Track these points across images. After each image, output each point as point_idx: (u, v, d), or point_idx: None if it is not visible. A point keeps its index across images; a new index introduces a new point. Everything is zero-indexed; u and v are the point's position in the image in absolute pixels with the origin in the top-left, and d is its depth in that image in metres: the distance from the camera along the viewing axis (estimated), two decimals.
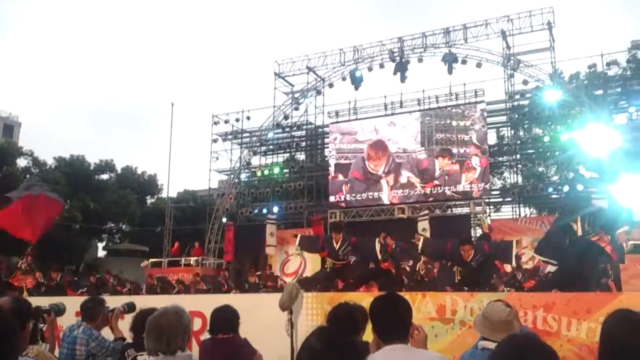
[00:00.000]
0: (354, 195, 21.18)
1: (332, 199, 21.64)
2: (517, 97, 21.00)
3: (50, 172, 38.09)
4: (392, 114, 21.82)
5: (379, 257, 9.45)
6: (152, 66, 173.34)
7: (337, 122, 22.64)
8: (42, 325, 4.13)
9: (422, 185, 20.10)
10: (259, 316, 5.16)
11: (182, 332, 2.99)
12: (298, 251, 20.12)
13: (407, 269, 11.04)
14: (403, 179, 20.47)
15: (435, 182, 19.93)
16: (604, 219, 8.28)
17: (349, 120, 22.39)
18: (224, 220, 23.65)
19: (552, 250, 7.97)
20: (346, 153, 21.67)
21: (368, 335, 3.19)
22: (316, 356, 2.04)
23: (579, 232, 7.94)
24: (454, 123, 20.08)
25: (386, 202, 20.60)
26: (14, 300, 3.43)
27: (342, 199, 21.36)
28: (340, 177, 21.55)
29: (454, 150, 19.85)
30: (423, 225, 15.44)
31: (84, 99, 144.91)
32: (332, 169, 21.85)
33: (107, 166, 42.11)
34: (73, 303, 5.02)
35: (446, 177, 19.80)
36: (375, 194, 20.82)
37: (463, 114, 20.15)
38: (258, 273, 14.67)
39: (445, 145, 20.02)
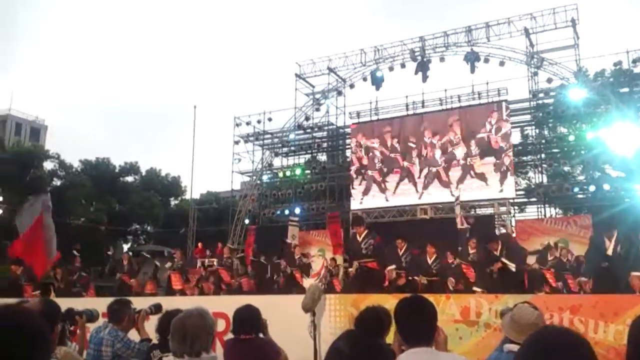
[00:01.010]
0: (375, 195, 21.10)
1: (353, 199, 21.60)
2: (541, 95, 20.70)
3: (77, 175, 38.75)
4: (414, 114, 21.70)
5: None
6: (174, 69, 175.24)
7: (359, 123, 22.60)
8: (71, 326, 4.21)
9: (445, 185, 19.94)
10: (282, 317, 5.17)
11: (206, 333, 3.02)
12: (320, 252, 20.13)
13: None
14: (425, 180, 20.32)
15: (457, 182, 19.74)
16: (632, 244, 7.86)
17: (371, 121, 22.33)
18: (247, 221, 23.77)
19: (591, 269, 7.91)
20: (368, 154, 21.62)
21: (389, 338, 3.19)
22: (344, 359, 2.05)
23: (610, 251, 7.64)
24: (478, 123, 19.89)
25: (409, 203, 20.48)
26: (44, 302, 3.51)
27: (364, 199, 21.30)
28: (362, 177, 21.49)
29: (478, 150, 19.65)
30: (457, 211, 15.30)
31: (109, 101, 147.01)
32: (353, 170, 21.81)
33: (132, 168, 42.71)
34: (101, 305, 5.09)
35: (468, 177, 19.60)
36: (397, 194, 20.71)
37: (486, 114, 19.94)
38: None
39: (468, 145, 19.83)
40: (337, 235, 18.99)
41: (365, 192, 21.26)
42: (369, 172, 21.37)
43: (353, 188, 21.51)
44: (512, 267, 8.09)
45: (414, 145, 20.78)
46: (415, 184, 20.47)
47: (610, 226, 7.93)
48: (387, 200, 20.88)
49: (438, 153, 20.29)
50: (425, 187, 20.27)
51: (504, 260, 8.17)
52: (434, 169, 20.24)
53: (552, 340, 1.60)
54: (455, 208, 15.00)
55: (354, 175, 21.68)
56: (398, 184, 20.74)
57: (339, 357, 2.08)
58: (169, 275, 13.52)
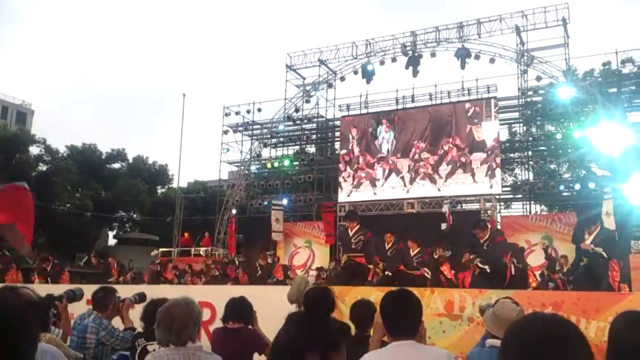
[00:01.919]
0: (363, 188, 21.16)
1: (341, 191, 21.64)
2: (530, 93, 20.84)
3: (63, 160, 38.40)
4: (404, 109, 21.74)
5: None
6: (164, 57, 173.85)
7: (348, 116, 22.61)
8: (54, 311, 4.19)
9: (432, 180, 20.03)
10: (268, 308, 5.18)
11: (193, 323, 3.03)
12: (306, 243, 20.21)
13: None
14: (412, 174, 20.40)
15: (446, 177, 19.84)
16: (612, 243, 8.02)
17: (360, 115, 22.35)
18: (234, 211, 23.75)
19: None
20: (356, 146, 21.65)
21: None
22: (286, 339, 2.04)
23: (588, 241, 7.79)
24: (466, 119, 19.98)
25: (396, 197, 20.57)
26: (27, 289, 3.48)
27: (352, 192, 21.34)
28: (350, 170, 21.53)
29: (465, 146, 19.75)
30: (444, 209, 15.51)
31: (97, 87, 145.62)
32: (342, 162, 21.84)
33: (119, 155, 42.44)
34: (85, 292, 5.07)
35: (456, 172, 19.71)
36: (384, 188, 20.79)
37: (475, 110, 20.03)
38: (269, 253, 14.85)
39: (456, 141, 19.92)
40: (330, 224, 19.07)
41: (357, 186, 21.28)
42: (358, 165, 21.39)
43: (344, 180, 21.53)
44: (487, 268, 8.25)
45: (402, 139, 20.82)
46: (402, 178, 20.53)
47: (593, 220, 8.06)
48: (374, 194, 20.93)
49: (425, 147, 20.34)
50: (412, 181, 20.34)
51: (478, 264, 8.34)
52: (421, 163, 20.31)
53: (538, 330, 1.46)
54: (444, 206, 15.16)
55: (343, 168, 21.70)
56: (387, 177, 20.79)
57: (282, 337, 2.08)
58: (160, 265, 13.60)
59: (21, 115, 59.36)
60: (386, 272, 10.46)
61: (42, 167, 37.41)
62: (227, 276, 13.50)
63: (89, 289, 4.98)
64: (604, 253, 7.49)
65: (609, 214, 13.12)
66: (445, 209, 14.71)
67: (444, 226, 13.46)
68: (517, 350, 1.45)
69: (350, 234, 9.58)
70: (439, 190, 19.76)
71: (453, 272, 10.99)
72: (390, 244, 10.97)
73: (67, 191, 36.43)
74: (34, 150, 37.82)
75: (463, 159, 19.64)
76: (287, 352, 1.86)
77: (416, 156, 20.40)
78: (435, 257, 11.43)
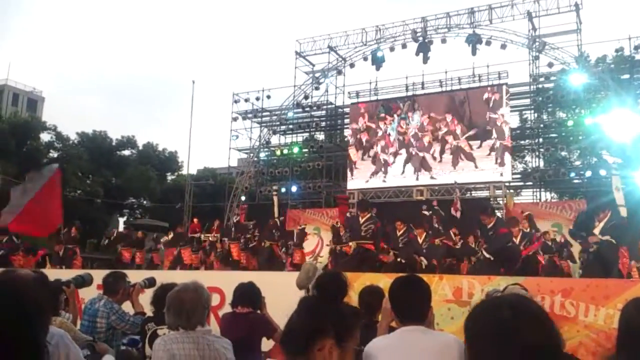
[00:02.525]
0: (372, 176, 21.12)
1: (350, 179, 21.62)
2: (542, 80, 20.61)
3: (73, 147, 38.63)
4: (414, 95, 21.62)
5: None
6: (173, 44, 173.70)
7: (358, 103, 22.52)
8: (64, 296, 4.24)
9: (442, 167, 19.96)
10: (276, 294, 5.21)
11: (202, 307, 3.05)
12: (315, 230, 20.21)
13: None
14: (422, 161, 20.33)
15: (455, 164, 19.75)
16: (622, 229, 7.93)
17: (370, 102, 22.25)
18: (243, 198, 23.79)
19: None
20: (366, 134, 21.58)
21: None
22: (298, 323, 2.04)
23: (597, 230, 7.74)
24: (478, 105, 19.85)
25: (405, 184, 20.52)
26: (37, 272, 3.52)
27: (361, 178, 21.32)
28: (360, 157, 21.49)
29: (476, 133, 19.63)
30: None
31: (107, 75, 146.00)
32: (352, 150, 21.79)
33: (129, 142, 42.61)
34: (94, 276, 5.13)
35: (466, 159, 19.61)
36: (394, 176, 20.74)
37: (486, 96, 19.88)
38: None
39: (467, 127, 19.81)
40: (345, 216, 19.02)
41: (366, 172, 21.24)
42: (368, 152, 21.35)
43: (356, 168, 21.48)
44: (489, 257, 8.28)
45: (413, 126, 20.73)
46: (413, 165, 20.46)
47: (602, 207, 8.01)
48: (384, 181, 20.90)
49: (436, 134, 20.25)
50: (420, 169, 20.26)
51: (485, 254, 8.36)
52: (431, 150, 20.23)
53: (507, 313, 1.41)
54: (454, 192, 15.12)
55: (353, 154, 21.64)
56: (404, 165, 20.67)
57: (294, 321, 2.08)
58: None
59: (32, 102, 59.70)
60: (399, 259, 10.48)
61: (53, 154, 37.65)
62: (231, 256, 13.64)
63: (99, 274, 5.03)
64: (613, 240, 7.45)
65: (619, 189, 13.02)
66: (456, 194, 14.68)
67: (454, 211, 13.48)
68: (488, 334, 1.42)
69: (361, 221, 9.66)
70: (445, 175, 19.68)
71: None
72: (401, 232, 11.04)
73: (77, 178, 36.67)
74: (45, 137, 38.10)
75: (473, 146, 19.52)
76: (299, 336, 1.86)
77: (427, 142, 20.31)
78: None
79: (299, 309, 2.08)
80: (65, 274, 4.73)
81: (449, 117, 20.17)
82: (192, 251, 14.48)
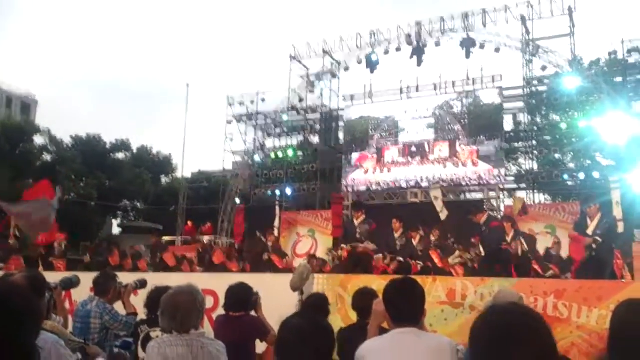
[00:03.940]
0: (367, 178, 21.16)
1: (344, 182, 21.65)
2: (535, 83, 20.70)
3: (67, 151, 38.49)
4: (408, 99, 21.68)
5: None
6: (168, 47, 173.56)
7: (352, 106, 22.57)
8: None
9: (435, 169, 20.00)
10: (270, 296, 5.21)
11: (197, 311, 3.05)
12: (309, 232, 20.19)
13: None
14: (415, 163, 20.39)
15: (449, 167, 19.81)
16: (613, 232, 7.93)
17: (364, 104, 22.30)
18: (237, 201, 23.78)
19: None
20: (360, 136, 21.64)
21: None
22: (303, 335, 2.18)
23: (590, 230, 7.75)
24: (471, 108, 19.93)
25: (400, 185, 20.56)
26: (29, 276, 3.49)
27: (355, 181, 21.35)
28: (354, 159, 21.54)
29: (469, 134, 19.70)
30: (435, 194, 15.20)
31: (101, 77, 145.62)
32: (345, 152, 21.82)
33: (123, 145, 42.49)
34: (86, 279, 5.11)
35: (460, 162, 19.67)
36: (389, 177, 20.78)
37: (479, 99, 19.97)
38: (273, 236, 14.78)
39: (461, 130, 19.88)
40: (339, 216, 18.99)
41: (357, 173, 21.29)
42: (360, 153, 21.41)
43: (355, 166, 21.51)
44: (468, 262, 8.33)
45: (407, 128, 20.79)
46: (403, 169, 20.52)
47: (591, 201, 8.05)
48: (380, 181, 20.94)
49: (430, 136, 20.32)
50: (416, 169, 20.32)
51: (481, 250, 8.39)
52: (426, 151, 20.30)
53: (506, 321, 1.53)
54: (431, 193, 14.78)
55: (347, 156, 21.69)
56: (389, 166, 20.75)
57: (296, 334, 2.21)
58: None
59: (25, 105, 59.48)
60: (398, 258, 10.41)
61: (47, 157, 37.51)
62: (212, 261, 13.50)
63: (90, 277, 5.01)
64: (604, 239, 7.49)
65: (619, 204, 13.09)
66: (437, 195, 14.31)
67: (443, 216, 13.25)
68: (487, 342, 1.52)
69: (356, 223, 9.65)
70: (440, 179, 19.73)
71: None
72: (399, 233, 10.90)
73: (71, 181, 36.53)
74: (39, 140, 37.95)
75: (467, 148, 19.58)
76: None
77: (419, 143, 20.37)
78: (433, 238, 11.43)
79: (310, 324, 2.21)
80: (50, 277, 4.69)
81: (445, 119, 20.26)
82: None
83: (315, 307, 4.18)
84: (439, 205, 13.44)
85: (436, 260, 10.02)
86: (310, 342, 2.18)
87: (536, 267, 10.19)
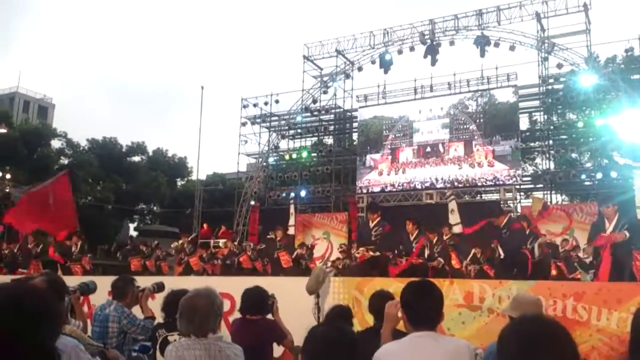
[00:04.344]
0: (381, 179, 21.11)
1: (359, 183, 21.62)
2: (551, 81, 20.50)
3: (84, 154, 38.91)
4: (422, 98, 21.60)
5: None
6: (182, 50, 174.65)
7: (366, 107, 22.54)
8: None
9: (450, 170, 19.91)
10: (286, 300, 5.21)
11: (214, 314, 3.05)
12: (324, 235, 20.19)
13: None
14: (430, 164, 20.30)
15: (464, 167, 19.70)
16: (634, 232, 7.76)
17: (378, 105, 22.26)
18: (252, 203, 23.82)
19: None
20: (374, 137, 21.60)
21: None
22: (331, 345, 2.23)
23: (608, 232, 7.62)
24: (486, 107, 19.81)
25: (414, 186, 20.49)
26: (49, 279, 3.53)
27: (370, 183, 21.31)
28: (368, 161, 21.50)
29: (485, 134, 19.57)
30: (452, 206, 15.14)
31: (116, 80, 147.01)
32: (359, 153, 21.79)
33: (139, 148, 42.86)
34: (104, 282, 5.15)
35: (475, 162, 19.55)
36: (403, 178, 20.72)
37: (495, 98, 19.84)
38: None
39: (476, 129, 19.77)
40: (356, 220, 18.94)
41: (372, 174, 21.25)
42: (375, 154, 21.36)
43: (370, 167, 21.48)
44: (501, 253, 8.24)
45: (421, 129, 20.72)
46: (421, 166, 20.45)
47: (609, 200, 7.93)
48: (394, 182, 20.88)
49: (444, 136, 20.22)
50: (431, 170, 20.24)
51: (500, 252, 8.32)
52: (440, 152, 20.20)
53: (533, 331, 1.65)
54: (449, 205, 14.69)
55: (361, 157, 21.66)
56: (403, 167, 20.68)
57: (323, 342, 2.29)
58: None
59: (42, 109, 60.19)
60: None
61: (64, 161, 37.93)
62: (241, 266, 13.55)
63: (109, 281, 5.04)
64: (626, 233, 7.38)
65: (454, 210, 13.15)
66: (453, 206, 14.17)
67: (457, 229, 13.04)
68: (517, 350, 1.64)
69: (371, 225, 9.60)
70: (455, 180, 19.62)
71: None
72: (414, 235, 10.84)
73: (88, 184, 36.92)
74: (56, 143, 38.43)
75: (483, 148, 19.46)
76: None
77: (435, 144, 20.28)
78: (446, 237, 11.45)
79: (340, 332, 2.28)
80: (68, 281, 4.74)
81: (460, 119, 20.15)
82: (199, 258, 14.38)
83: (341, 317, 4.22)
84: (453, 218, 13.41)
85: (454, 262, 9.98)
86: (337, 350, 2.24)
87: (561, 265, 10.13)
